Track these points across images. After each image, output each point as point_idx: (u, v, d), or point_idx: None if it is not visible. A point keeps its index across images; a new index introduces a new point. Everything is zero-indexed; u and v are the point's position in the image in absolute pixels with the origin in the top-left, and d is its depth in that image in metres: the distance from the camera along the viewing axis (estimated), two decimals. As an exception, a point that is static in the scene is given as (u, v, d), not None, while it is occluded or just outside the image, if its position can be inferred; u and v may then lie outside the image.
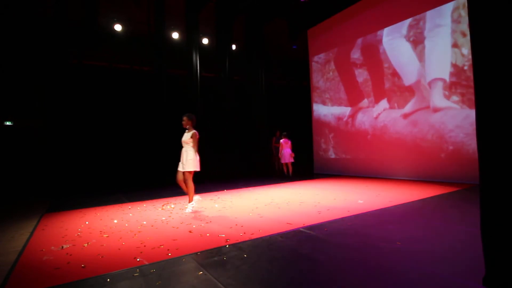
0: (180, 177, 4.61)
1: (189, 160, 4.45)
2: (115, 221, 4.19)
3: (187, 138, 4.57)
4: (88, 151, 9.47)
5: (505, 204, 1.65)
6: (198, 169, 4.55)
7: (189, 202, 4.61)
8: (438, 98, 7.08)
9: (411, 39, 7.66)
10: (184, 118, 4.65)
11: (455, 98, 6.76)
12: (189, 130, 4.64)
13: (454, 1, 6.75)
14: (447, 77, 6.90)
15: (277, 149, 10.23)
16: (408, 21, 7.72)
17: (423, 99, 7.40)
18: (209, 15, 10.79)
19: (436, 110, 7.13)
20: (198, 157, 4.57)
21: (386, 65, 8.29)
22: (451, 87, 6.84)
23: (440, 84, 7.04)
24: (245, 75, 11.84)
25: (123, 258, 2.67)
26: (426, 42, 7.32)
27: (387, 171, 8.30)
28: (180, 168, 4.57)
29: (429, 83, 7.26)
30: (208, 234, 3.31)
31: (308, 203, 4.93)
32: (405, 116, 7.81)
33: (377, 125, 8.61)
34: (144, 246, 3.00)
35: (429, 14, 7.25)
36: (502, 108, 1.68)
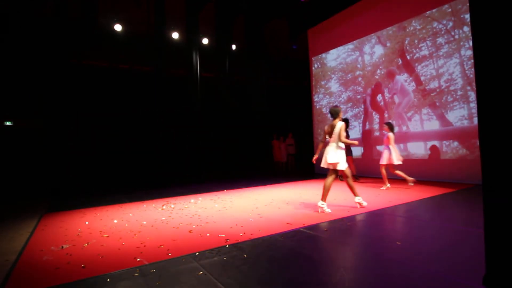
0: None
1: None
2: (115, 221, 4.19)
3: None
4: (88, 151, 9.48)
5: (508, 203, 1.65)
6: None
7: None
8: (438, 99, 7.07)
9: (415, 40, 7.66)
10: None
11: (456, 98, 6.75)
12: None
13: (453, 2, 6.75)
14: (447, 77, 6.89)
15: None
16: (403, 24, 7.72)
17: (424, 101, 7.39)
18: (209, 15, 10.81)
19: (436, 110, 7.12)
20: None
21: (391, 67, 8.28)
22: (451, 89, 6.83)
23: (439, 85, 7.04)
24: (245, 75, 11.85)
25: (123, 258, 2.67)
26: (427, 43, 7.32)
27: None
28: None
29: (429, 84, 7.25)
30: (208, 234, 3.31)
31: (308, 203, 4.93)
32: (407, 118, 7.80)
33: (378, 127, 8.61)
34: (144, 246, 3.00)
35: (429, 14, 7.24)
36: (504, 108, 1.67)
